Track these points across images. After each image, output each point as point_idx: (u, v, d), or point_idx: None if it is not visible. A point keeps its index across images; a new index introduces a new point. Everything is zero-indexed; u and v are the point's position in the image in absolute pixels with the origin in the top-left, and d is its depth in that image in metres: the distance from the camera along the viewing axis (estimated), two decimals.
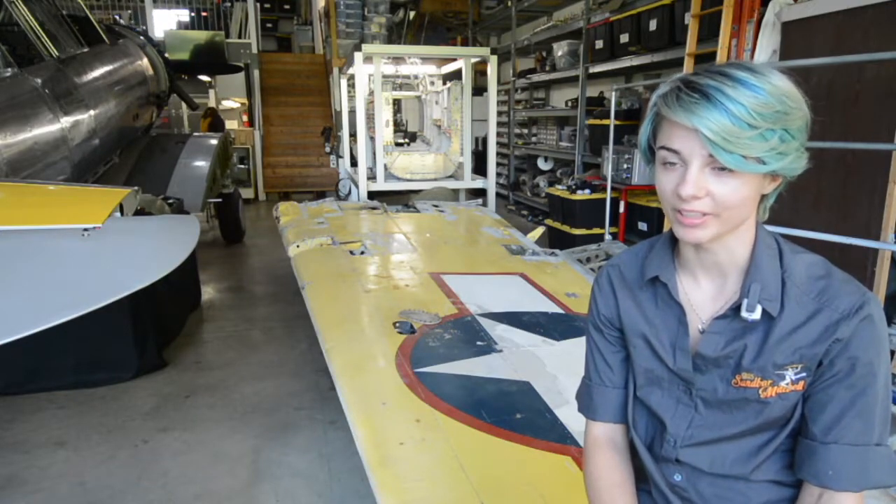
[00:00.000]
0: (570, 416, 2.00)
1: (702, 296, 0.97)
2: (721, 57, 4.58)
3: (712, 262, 0.95)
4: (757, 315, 0.90)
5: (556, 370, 2.39)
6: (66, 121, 4.18)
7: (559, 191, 6.98)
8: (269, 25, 15.43)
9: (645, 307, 1.01)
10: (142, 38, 6.92)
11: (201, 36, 11.24)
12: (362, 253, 3.95)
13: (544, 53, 9.61)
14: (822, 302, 0.89)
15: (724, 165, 0.82)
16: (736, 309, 0.92)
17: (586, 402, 1.11)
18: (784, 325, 0.90)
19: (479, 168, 7.57)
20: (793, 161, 0.84)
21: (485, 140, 8.70)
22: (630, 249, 1.09)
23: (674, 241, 1.00)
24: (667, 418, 1.00)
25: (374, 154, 6.30)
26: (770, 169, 0.83)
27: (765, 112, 0.80)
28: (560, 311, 3.06)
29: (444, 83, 6.92)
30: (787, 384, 0.91)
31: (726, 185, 0.84)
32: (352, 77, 6.76)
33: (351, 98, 7.58)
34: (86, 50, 5.21)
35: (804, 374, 0.91)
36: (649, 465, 1.04)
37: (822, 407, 0.91)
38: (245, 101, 11.74)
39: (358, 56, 5.99)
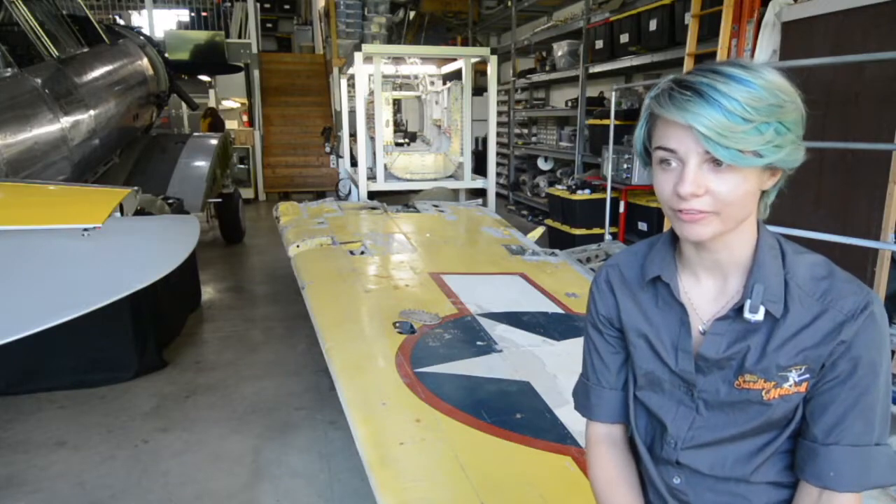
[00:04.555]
0: (570, 416, 1.99)
1: (703, 296, 0.96)
2: (721, 57, 4.57)
3: (713, 261, 0.94)
4: (760, 316, 0.89)
5: (556, 370, 2.39)
6: (66, 121, 4.18)
7: (559, 191, 6.99)
8: (269, 25, 15.43)
9: (645, 307, 1.00)
10: (142, 37, 6.92)
11: (201, 36, 11.24)
12: (362, 253, 3.95)
13: (544, 53, 9.61)
14: (827, 303, 0.89)
15: (721, 161, 0.82)
16: (738, 310, 0.92)
17: (583, 401, 1.11)
18: (788, 326, 0.90)
19: (479, 168, 7.57)
20: (789, 153, 0.84)
21: (485, 140, 8.70)
22: (629, 249, 1.07)
23: (675, 241, 0.99)
24: (667, 420, 0.99)
25: (374, 154, 6.29)
26: (767, 161, 0.83)
27: (758, 106, 0.80)
28: (560, 311, 3.06)
29: (444, 83, 6.92)
30: (791, 386, 0.90)
31: (726, 182, 0.84)
32: (352, 77, 6.76)
33: (351, 98, 7.57)
34: (86, 50, 5.20)
35: (808, 376, 0.90)
36: (649, 466, 1.03)
37: (823, 408, 0.90)
38: (245, 101, 11.73)
39: (358, 56, 5.99)
